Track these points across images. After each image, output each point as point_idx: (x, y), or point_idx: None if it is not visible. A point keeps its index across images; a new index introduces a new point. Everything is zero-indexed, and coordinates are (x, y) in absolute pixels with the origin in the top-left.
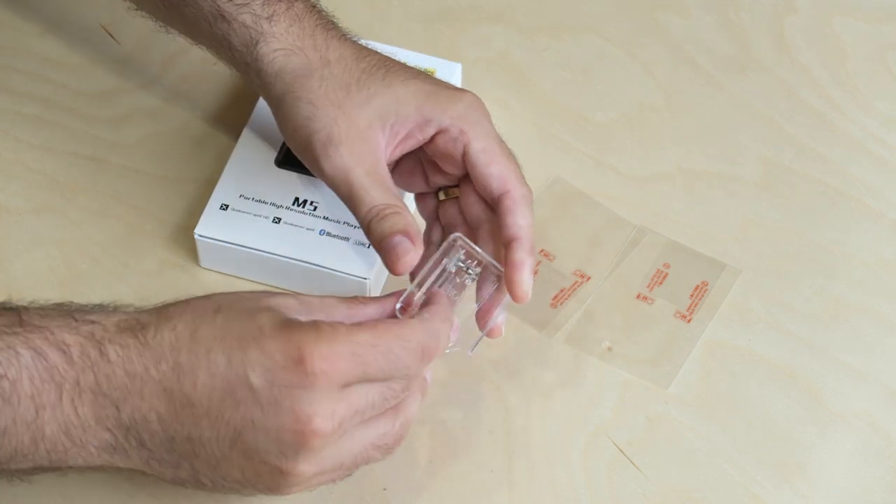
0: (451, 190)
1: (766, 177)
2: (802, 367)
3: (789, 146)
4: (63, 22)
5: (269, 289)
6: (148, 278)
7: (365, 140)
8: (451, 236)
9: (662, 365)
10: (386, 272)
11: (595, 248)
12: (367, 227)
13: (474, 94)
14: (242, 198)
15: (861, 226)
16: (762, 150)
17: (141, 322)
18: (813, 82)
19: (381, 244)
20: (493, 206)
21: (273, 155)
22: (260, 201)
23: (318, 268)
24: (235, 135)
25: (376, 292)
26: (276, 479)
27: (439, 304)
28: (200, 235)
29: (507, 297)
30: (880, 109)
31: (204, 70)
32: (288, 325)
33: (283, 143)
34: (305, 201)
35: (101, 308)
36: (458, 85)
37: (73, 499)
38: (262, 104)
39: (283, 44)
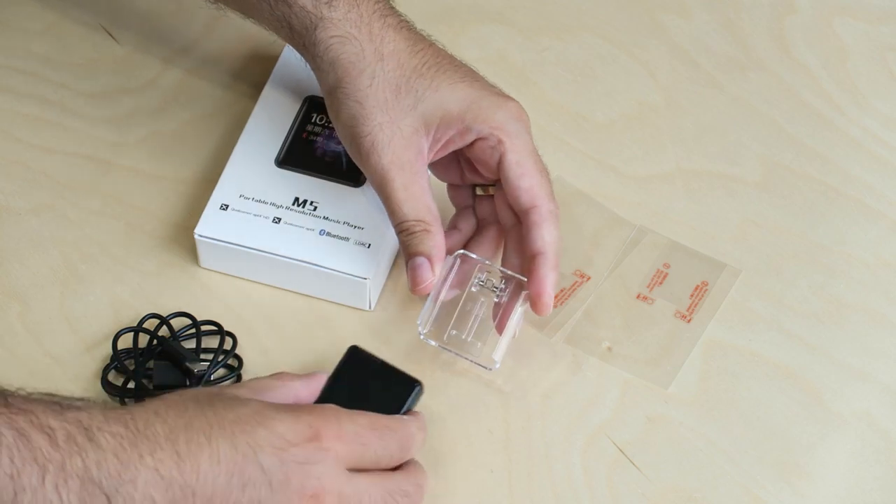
0: (488, 188)
1: (766, 177)
2: (802, 367)
3: (789, 146)
4: (63, 22)
5: (267, 289)
6: (148, 278)
7: (408, 147)
8: (454, 255)
9: (662, 365)
10: (386, 272)
11: (595, 248)
12: (398, 236)
13: (518, 104)
14: (242, 198)
15: (861, 226)
16: (762, 150)
17: (128, 410)
18: (813, 82)
19: (408, 259)
20: (521, 218)
21: (273, 155)
22: (260, 201)
23: (318, 268)
24: (235, 134)
25: (376, 292)
26: None
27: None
28: (200, 235)
29: (525, 306)
30: (880, 109)
31: (203, 70)
32: (290, 405)
33: (284, 143)
34: (305, 201)
35: (85, 399)
36: None
37: None
38: (262, 104)
39: (339, 30)
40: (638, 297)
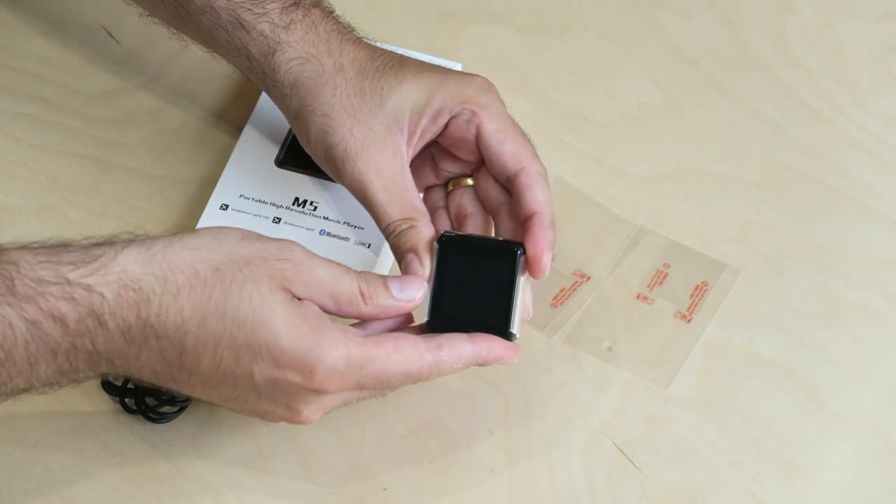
0: (460, 179)
1: (766, 177)
2: (802, 367)
3: (789, 146)
4: (63, 22)
5: None
6: None
7: (383, 147)
8: (440, 237)
9: (662, 365)
10: (386, 272)
11: (595, 248)
12: (388, 241)
13: (484, 78)
14: (242, 198)
15: (861, 226)
16: (762, 150)
17: (144, 291)
18: (813, 82)
19: (399, 261)
20: (510, 185)
21: (273, 155)
22: (260, 201)
23: None
24: (236, 134)
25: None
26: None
27: (457, 341)
28: None
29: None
30: (880, 109)
31: (204, 70)
32: (303, 332)
33: (284, 143)
34: (305, 201)
35: (98, 255)
36: None
37: (74, 500)
38: (262, 104)
39: (298, 52)
40: (638, 297)
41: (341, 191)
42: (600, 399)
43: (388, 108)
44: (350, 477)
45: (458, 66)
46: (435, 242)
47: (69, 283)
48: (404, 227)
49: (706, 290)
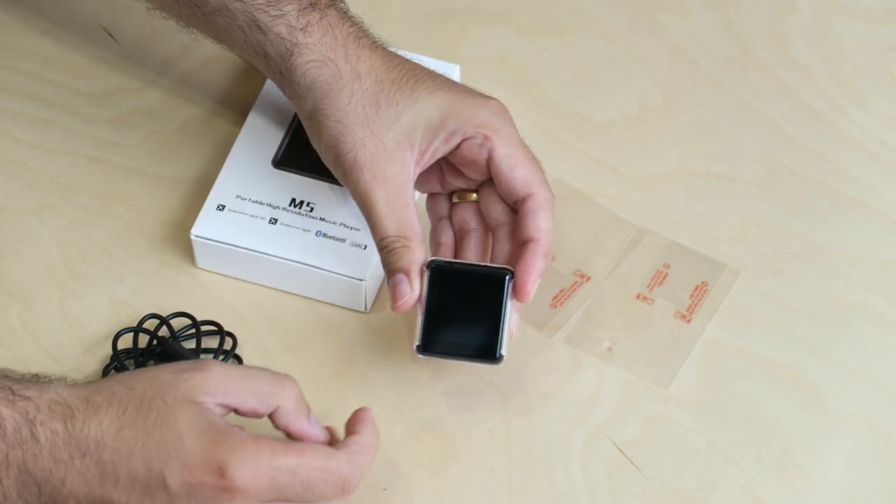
0: (465, 193)
1: (766, 177)
2: (802, 367)
3: (789, 146)
4: (63, 22)
5: (264, 290)
6: (147, 278)
7: (391, 161)
8: (429, 262)
9: (662, 365)
10: (381, 274)
11: (595, 248)
12: (380, 254)
13: (498, 101)
14: (239, 198)
15: (861, 226)
16: (762, 150)
17: (71, 408)
18: (813, 82)
19: (387, 277)
20: (517, 207)
21: (270, 155)
22: (257, 202)
23: (314, 269)
24: (233, 135)
25: (372, 294)
26: None
27: (368, 433)
28: (197, 236)
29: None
30: (880, 109)
31: (202, 71)
32: (209, 436)
33: (281, 144)
34: (302, 202)
35: (37, 380)
36: None
37: None
38: (259, 105)
39: (315, 55)
40: (638, 297)
41: (338, 192)
42: (600, 399)
43: (402, 123)
44: None
45: (456, 68)
46: (425, 268)
47: (12, 391)
48: (398, 245)
49: (706, 290)
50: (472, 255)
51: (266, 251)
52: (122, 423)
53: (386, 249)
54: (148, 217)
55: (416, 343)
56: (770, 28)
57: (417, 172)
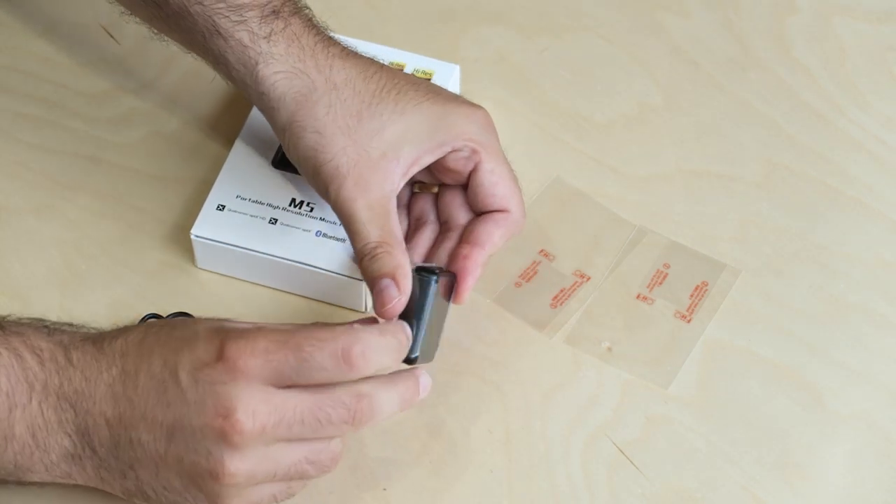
0: (426, 185)
1: (766, 177)
2: (802, 367)
3: (789, 146)
4: (63, 22)
5: (263, 290)
6: (147, 278)
7: (375, 170)
8: (417, 269)
9: (662, 365)
10: None
11: (595, 248)
12: (360, 263)
13: (484, 111)
14: (239, 198)
15: (861, 226)
16: (762, 150)
17: (102, 333)
18: (813, 82)
19: (371, 284)
20: (483, 213)
21: (270, 156)
22: (256, 202)
23: (313, 269)
24: (233, 135)
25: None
26: (210, 486)
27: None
28: (197, 236)
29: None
30: (880, 109)
31: (203, 71)
32: (220, 328)
33: (280, 144)
34: (302, 202)
35: (72, 325)
36: (457, 86)
37: (73, 500)
38: None
39: (284, 66)
40: (638, 297)
41: None
42: (600, 399)
43: (387, 136)
44: (350, 477)
45: (456, 68)
46: (415, 273)
47: (46, 327)
48: (381, 251)
49: (706, 290)
50: (425, 245)
51: (266, 251)
52: (146, 333)
53: (368, 256)
54: (148, 217)
55: (413, 355)
56: (770, 28)
57: (402, 184)
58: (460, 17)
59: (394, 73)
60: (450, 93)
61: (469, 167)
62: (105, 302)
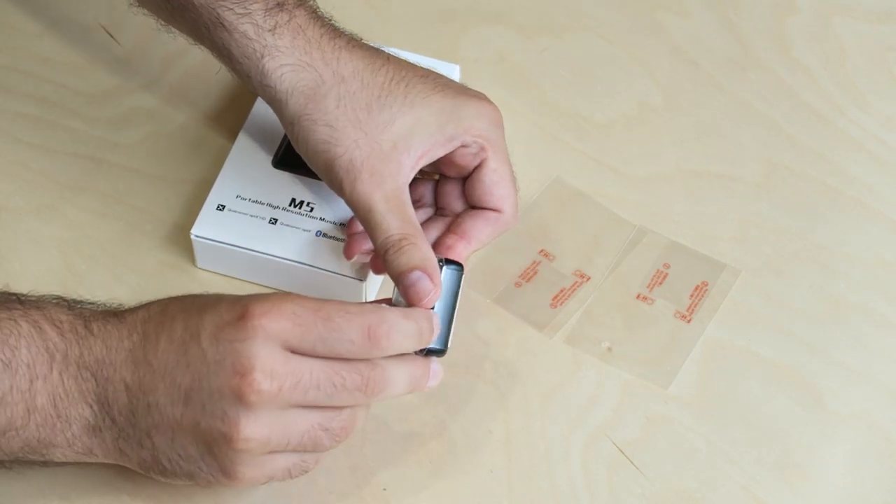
0: (428, 173)
1: (766, 177)
2: (802, 367)
3: (789, 146)
4: (63, 22)
5: (264, 290)
6: (147, 278)
7: (388, 162)
8: (440, 260)
9: (662, 365)
10: (380, 277)
11: (595, 248)
12: (383, 255)
13: (494, 106)
14: (239, 198)
15: (861, 226)
16: (762, 150)
17: (124, 306)
18: (813, 82)
19: (399, 277)
20: (476, 208)
21: (270, 156)
22: (256, 202)
23: (314, 269)
24: (233, 135)
25: (372, 294)
26: (224, 451)
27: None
28: (197, 236)
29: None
30: (880, 109)
31: (203, 71)
32: (245, 295)
33: (281, 144)
34: (302, 202)
35: (93, 302)
36: None
37: (73, 500)
38: (259, 105)
39: (290, 59)
40: (638, 297)
41: None
42: (600, 399)
43: (397, 128)
44: (350, 477)
45: (456, 69)
46: (443, 265)
47: (66, 302)
48: (406, 243)
49: (706, 290)
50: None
51: (266, 251)
52: (169, 303)
53: (393, 249)
54: (148, 217)
55: (439, 346)
56: (770, 28)
57: (412, 176)
58: (460, 17)
59: (400, 64)
60: (459, 85)
61: (475, 163)
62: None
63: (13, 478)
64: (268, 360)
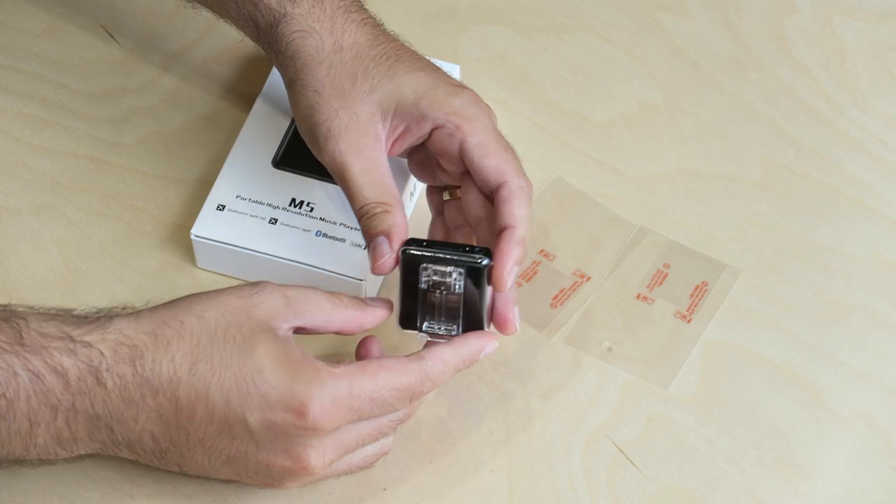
0: (455, 190)
1: (766, 177)
2: (802, 367)
3: (789, 146)
4: (63, 22)
5: None
6: (147, 278)
7: (365, 133)
8: (404, 247)
9: (662, 365)
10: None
11: (595, 248)
12: (359, 223)
13: (472, 91)
14: (239, 198)
15: (861, 226)
16: (762, 150)
17: (137, 347)
18: (813, 82)
19: (367, 242)
20: (492, 197)
21: (270, 156)
22: (256, 202)
23: (314, 269)
24: (233, 135)
25: (372, 293)
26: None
27: (450, 349)
28: (196, 236)
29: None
30: (880, 109)
31: (202, 71)
32: (288, 368)
33: (281, 144)
34: (302, 202)
35: (97, 319)
36: None
37: (74, 500)
38: (259, 105)
39: (301, 25)
40: (638, 297)
41: (338, 192)
42: (600, 399)
43: (376, 97)
44: (350, 477)
45: (456, 68)
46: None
47: (72, 339)
48: (378, 210)
49: (706, 290)
50: None
51: (266, 251)
52: (195, 357)
53: (366, 216)
54: (148, 217)
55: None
56: (770, 28)
57: (389, 145)
58: (460, 17)
59: (402, 45)
60: (446, 75)
61: (455, 145)
62: (105, 302)
63: (13, 477)
64: (321, 447)
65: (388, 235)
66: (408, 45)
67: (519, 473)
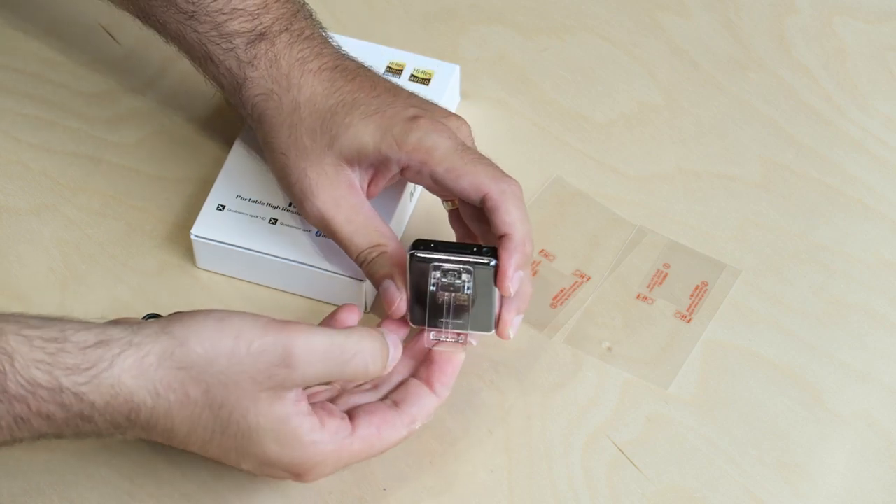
0: (452, 201)
1: (766, 177)
2: (802, 367)
3: (789, 146)
4: (63, 22)
5: (264, 290)
6: (147, 278)
7: (337, 184)
8: (411, 249)
9: (662, 365)
10: None
11: (595, 248)
12: (362, 270)
13: (428, 118)
14: (239, 198)
15: (861, 226)
16: (762, 150)
17: (135, 404)
18: (813, 82)
19: (377, 287)
20: (482, 209)
21: None
22: (256, 202)
23: (313, 269)
24: (233, 135)
25: (372, 294)
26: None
27: (423, 401)
28: (196, 236)
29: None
30: (880, 109)
31: None
32: (290, 451)
33: None
34: None
35: (92, 365)
36: (457, 86)
37: (74, 500)
38: None
39: (261, 88)
40: (638, 297)
41: None
42: (600, 399)
43: (336, 148)
44: (350, 477)
45: (456, 68)
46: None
47: (61, 389)
48: (374, 254)
49: (706, 290)
50: None
51: (266, 251)
52: (194, 425)
53: (365, 263)
54: (148, 217)
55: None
56: (770, 28)
57: (366, 189)
58: (460, 17)
59: (361, 85)
60: (402, 102)
61: (427, 179)
62: (105, 302)
63: (13, 477)
64: (320, 472)
65: (391, 278)
66: (370, 70)
67: (519, 473)
